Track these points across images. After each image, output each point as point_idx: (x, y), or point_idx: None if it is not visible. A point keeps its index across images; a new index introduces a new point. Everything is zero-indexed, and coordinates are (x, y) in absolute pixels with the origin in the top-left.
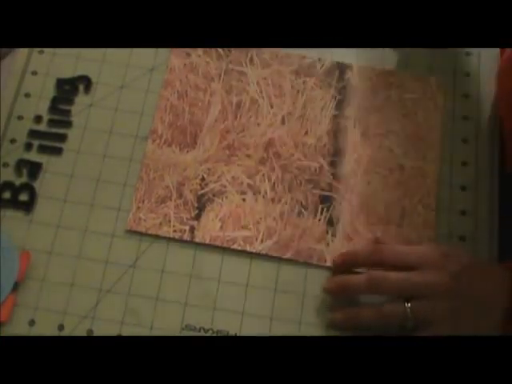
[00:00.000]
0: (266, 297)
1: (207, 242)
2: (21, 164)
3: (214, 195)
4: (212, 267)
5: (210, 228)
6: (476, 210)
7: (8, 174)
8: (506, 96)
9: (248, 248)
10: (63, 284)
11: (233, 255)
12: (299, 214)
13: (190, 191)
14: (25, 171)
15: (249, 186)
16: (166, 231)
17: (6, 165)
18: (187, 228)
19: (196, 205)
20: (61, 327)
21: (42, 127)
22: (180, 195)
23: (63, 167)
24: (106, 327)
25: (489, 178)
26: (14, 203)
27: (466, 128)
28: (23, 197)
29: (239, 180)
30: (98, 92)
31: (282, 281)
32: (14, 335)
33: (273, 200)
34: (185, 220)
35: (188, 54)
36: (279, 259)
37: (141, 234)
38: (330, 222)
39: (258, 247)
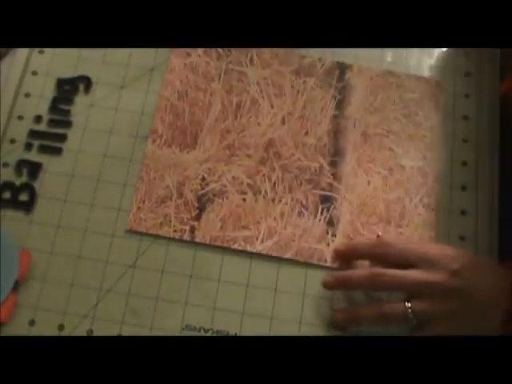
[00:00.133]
0: (266, 297)
1: (207, 242)
2: (21, 164)
3: (214, 195)
4: (212, 267)
5: (210, 228)
6: (476, 210)
7: (8, 174)
8: None
9: (248, 248)
10: (63, 284)
11: (233, 255)
12: (299, 213)
13: (191, 191)
14: (25, 171)
15: (249, 185)
16: (166, 231)
17: (6, 165)
18: (188, 228)
19: (196, 205)
20: (61, 327)
21: (42, 127)
22: (180, 195)
23: (63, 167)
24: (106, 327)
25: (489, 178)
26: (14, 203)
27: (466, 128)
28: (23, 197)
29: (239, 180)
30: (98, 92)
31: (282, 281)
32: (14, 335)
33: (273, 200)
34: (185, 220)
35: (188, 54)
36: (279, 259)
37: (141, 233)
38: (331, 222)
39: (258, 247)
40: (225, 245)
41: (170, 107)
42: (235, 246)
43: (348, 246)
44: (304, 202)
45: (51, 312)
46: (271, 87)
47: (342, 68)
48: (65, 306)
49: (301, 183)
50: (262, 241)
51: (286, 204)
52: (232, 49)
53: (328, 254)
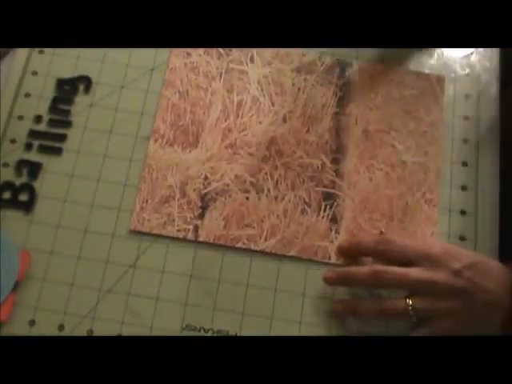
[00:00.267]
0: (266, 297)
1: (211, 241)
2: (21, 164)
3: (217, 194)
4: (212, 267)
5: (213, 227)
6: (476, 210)
7: (8, 174)
8: None
9: (252, 246)
10: (63, 284)
11: (233, 255)
12: (303, 211)
13: (193, 190)
14: (25, 171)
15: (252, 184)
16: (169, 231)
17: (5, 165)
18: (191, 227)
19: (199, 204)
20: (61, 327)
21: (42, 127)
22: (183, 195)
23: (63, 167)
24: (106, 327)
25: (489, 178)
26: (14, 203)
27: (466, 128)
28: (23, 197)
29: (242, 178)
30: (98, 92)
31: (282, 281)
32: (14, 335)
33: (276, 198)
34: (188, 219)
35: (188, 54)
36: (279, 259)
37: (141, 233)
38: (334, 219)
39: (262, 245)
40: (228, 244)
41: (171, 107)
42: (239, 245)
43: (351, 243)
44: (307, 200)
45: (51, 312)
46: (272, 85)
47: (343, 65)
48: (65, 305)
49: (303, 181)
50: (266, 239)
51: (289, 202)
52: (232, 48)
53: (332, 251)
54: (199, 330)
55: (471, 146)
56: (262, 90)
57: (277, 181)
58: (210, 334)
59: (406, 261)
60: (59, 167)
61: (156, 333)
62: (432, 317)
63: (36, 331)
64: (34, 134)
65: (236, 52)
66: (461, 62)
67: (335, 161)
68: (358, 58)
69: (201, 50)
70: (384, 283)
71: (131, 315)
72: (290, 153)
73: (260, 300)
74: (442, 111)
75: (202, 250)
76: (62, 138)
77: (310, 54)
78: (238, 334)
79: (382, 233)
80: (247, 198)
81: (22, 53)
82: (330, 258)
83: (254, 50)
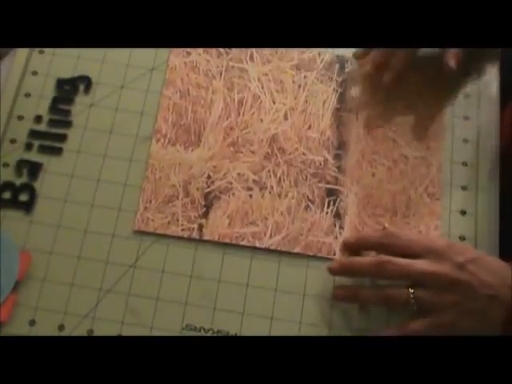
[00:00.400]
0: (266, 297)
1: (216, 239)
2: (21, 164)
3: (220, 192)
4: (212, 267)
5: (218, 225)
6: (476, 210)
7: (8, 174)
8: None
9: (257, 244)
10: (63, 284)
11: (233, 255)
12: (306, 208)
13: (197, 189)
14: (25, 171)
15: (255, 181)
16: (174, 230)
17: (6, 165)
18: (195, 226)
19: (203, 203)
20: (61, 327)
21: (42, 127)
22: (187, 194)
23: (63, 167)
24: (106, 327)
25: (489, 178)
26: (14, 203)
27: (466, 128)
28: (23, 197)
29: (245, 176)
30: (98, 92)
31: (282, 281)
32: (14, 335)
33: (279, 195)
34: (193, 218)
35: (188, 53)
36: (279, 260)
37: (141, 234)
38: (338, 215)
39: (266, 243)
40: (233, 241)
41: (172, 106)
42: (244, 243)
43: (356, 238)
44: (310, 196)
45: (51, 312)
46: (272, 83)
47: (342, 62)
48: (65, 305)
49: (306, 177)
50: (270, 236)
51: (293, 199)
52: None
53: (336, 247)
54: (199, 330)
55: (471, 146)
56: (262, 88)
57: (280, 178)
58: (210, 334)
59: (411, 254)
60: (59, 167)
61: (156, 333)
62: (433, 308)
63: (36, 331)
64: (34, 133)
65: (235, 50)
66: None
67: (337, 157)
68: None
69: (200, 49)
70: (388, 273)
71: (131, 315)
72: (292, 150)
73: (260, 300)
74: (442, 106)
75: (202, 250)
76: (62, 137)
77: (309, 50)
78: (238, 334)
79: (385, 228)
80: (251, 196)
81: (22, 53)
82: (334, 254)
83: (254, 48)
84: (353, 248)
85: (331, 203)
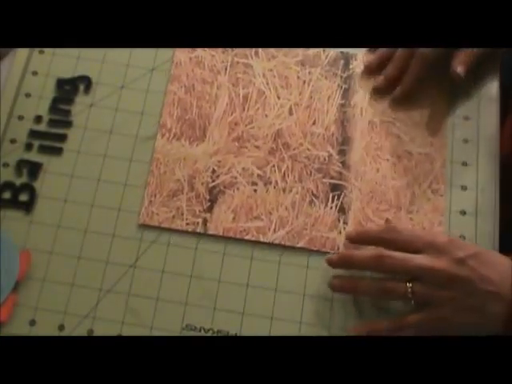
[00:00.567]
0: (266, 297)
1: (220, 233)
2: (21, 164)
3: (225, 187)
4: (212, 267)
5: (222, 219)
6: (476, 210)
7: (8, 174)
8: None
9: (261, 238)
10: (64, 284)
11: (233, 255)
12: (310, 202)
13: (202, 184)
14: (25, 171)
15: (259, 176)
16: (178, 224)
17: (6, 165)
18: (200, 220)
19: (208, 197)
20: (61, 327)
21: (42, 127)
22: (191, 188)
23: (63, 167)
24: (106, 327)
25: (489, 178)
26: (14, 203)
27: (466, 128)
28: (23, 197)
29: (250, 171)
30: (98, 92)
31: (282, 281)
32: (14, 335)
33: (284, 190)
34: (197, 213)
35: (193, 49)
36: (279, 260)
37: (141, 234)
38: (342, 210)
39: (271, 237)
40: (238, 236)
41: (177, 101)
42: (248, 237)
43: (358, 232)
44: (314, 191)
45: (51, 312)
46: (277, 78)
47: (347, 58)
48: (65, 305)
49: (310, 172)
50: (275, 231)
51: (297, 193)
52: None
53: (340, 242)
54: (199, 330)
55: (471, 146)
56: (267, 83)
57: (284, 173)
58: (210, 334)
59: (412, 249)
60: (59, 167)
61: (156, 333)
62: (431, 303)
63: (36, 331)
64: (34, 133)
65: None
66: None
67: (342, 152)
68: (362, 50)
69: None
70: (386, 267)
71: (131, 315)
72: (296, 145)
73: (260, 300)
74: (446, 102)
75: (201, 250)
76: (63, 138)
77: None
78: (238, 334)
79: (388, 220)
80: (255, 191)
81: (22, 53)
82: (338, 249)
83: None
84: (355, 242)
85: (335, 198)
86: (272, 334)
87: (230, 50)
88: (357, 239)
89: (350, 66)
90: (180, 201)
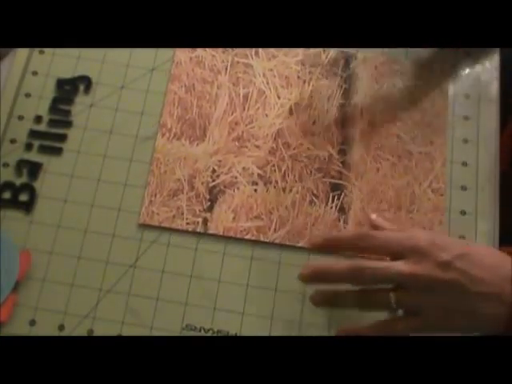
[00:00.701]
0: (266, 297)
1: (221, 233)
2: (21, 164)
3: (225, 187)
4: (212, 267)
5: (223, 219)
6: (476, 210)
7: (8, 174)
8: None
9: (262, 238)
10: (63, 284)
11: (233, 255)
12: (311, 202)
13: (202, 183)
14: (25, 171)
15: (259, 176)
16: (179, 224)
17: (6, 165)
18: (200, 220)
19: (208, 197)
20: (61, 327)
21: (42, 127)
22: (192, 188)
23: (63, 167)
24: (106, 327)
25: (489, 178)
26: (14, 203)
27: (466, 128)
28: (23, 197)
29: (250, 171)
30: (98, 92)
31: (282, 281)
32: (14, 335)
33: (284, 189)
34: (198, 212)
35: (194, 48)
36: (279, 259)
37: (141, 234)
38: (342, 210)
39: (271, 237)
40: (238, 236)
41: (177, 101)
42: (248, 237)
43: (327, 239)
44: (315, 191)
45: (51, 312)
46: (277, 78)
47: (347, 57)
48: (65, 305)
49: (310, 172)
50: (275, 230)
51: (297, 193)
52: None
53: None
54: (199, 330)
55: (471, 146)
56: (267, 83)
57: (284, 172)
58: (210, 334)
59: (391, 255)
60: (59, 167)
61: (156, 333)
62: (419, 310)
63: (36, 331)
64: (34, 134)
65: None
66: (461, 62)
67: (342, 152)
68: (362, 50)
69: None
70: (366, 278)
71: (131, 315)
72: (296, 145)
73: (260, 300)
74: (446, 101)
75: (201, 250)
76: (63, 138)
77: None
78: (237, 334)
79: (372, 220)
80: (255, 190)
81: (22, 53)
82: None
83: None
84: (323, 250)
85: (335, 198)
86: (272, 334)
87: (230, 49)
88: (325, 248)
89: (350, 66)
90: (180, 200)
